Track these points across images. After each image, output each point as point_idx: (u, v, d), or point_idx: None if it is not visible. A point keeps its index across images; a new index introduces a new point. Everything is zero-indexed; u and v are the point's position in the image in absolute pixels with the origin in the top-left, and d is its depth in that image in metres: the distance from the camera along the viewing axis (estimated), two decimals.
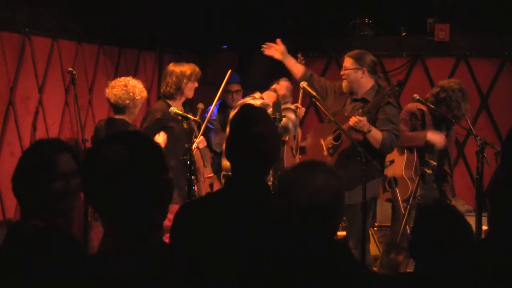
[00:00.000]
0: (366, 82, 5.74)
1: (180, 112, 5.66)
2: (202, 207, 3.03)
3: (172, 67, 6.14)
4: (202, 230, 2.88)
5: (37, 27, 6.38)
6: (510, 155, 3.00)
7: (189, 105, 6.38)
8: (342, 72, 5.80)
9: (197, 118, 5.73)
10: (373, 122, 5.58)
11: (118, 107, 5.87)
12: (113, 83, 5.92)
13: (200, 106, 6.04)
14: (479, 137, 5.85)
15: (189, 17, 8.04)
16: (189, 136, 5.60)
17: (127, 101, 5.81)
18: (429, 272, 2.89)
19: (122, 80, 5.91)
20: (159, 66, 8.20)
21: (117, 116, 5.89)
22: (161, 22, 7.88)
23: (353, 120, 5.48)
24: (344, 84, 5.79)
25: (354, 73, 5.72)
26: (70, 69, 6.17)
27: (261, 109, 3.21)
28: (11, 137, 6.14)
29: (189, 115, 5.62)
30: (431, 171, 6.12)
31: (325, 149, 5.71)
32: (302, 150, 6.50)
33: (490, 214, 3.15)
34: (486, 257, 2.93)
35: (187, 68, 6.07)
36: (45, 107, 6.47)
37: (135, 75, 7.71)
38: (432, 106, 6.20)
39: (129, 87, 5.83)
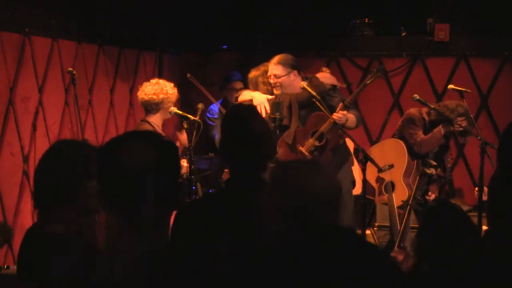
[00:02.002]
0: (298, 82, 5.73)
1: (180, 112, 5.66)
2: (202, 207, 3.04)
3: (259, 70, 6.01)
4: (202, 229, 2.88)
5: (37, 27, 6.38)
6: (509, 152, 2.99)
7: (189, 105, 6.38)
8: (274, 81, 5.73)
9: (197, 118, 5.74)
10: (328, 107, 5.61)
11: (152, 105, 5.72)
12: (143, 85, 5.84)
13: (200, 106, 6.04)
14: (479, 137, 5.85)
15: (189, 17, 8.04)
16: (189, 136, 5.60)
17: (162, 96, 5.70)
18: (435, 272, 2.89)
19: (151, 80, 5.86)
20: (159, 66, 8.20)
21: (149, 119, 5.75)
22: (161, 22, 7.88)
23: (337, 117, 5.50)
24: (277, 92, 5.75)
25: (287, 78, 5.72)
26: (70, 69, 6.17)
27: (254, 107, 3.22)
28: (11, 137, 6.14)
29: (189, 115, 5.62)
30: (431, 171, 6.12)
31: (306, 153, 5.64)
32: None
33: (489, 213, 3.15)
34: (486, 256, 2.93)
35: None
36: (45, 107, 6.47)
37: (135, 75, 7.73)
38: (432, 106, 6.21)
39: (161, 84, 5.75)
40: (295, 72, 5.75)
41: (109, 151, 2.21)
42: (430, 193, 6.30)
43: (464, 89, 6.74)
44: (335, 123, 5.49)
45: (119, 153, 2.16)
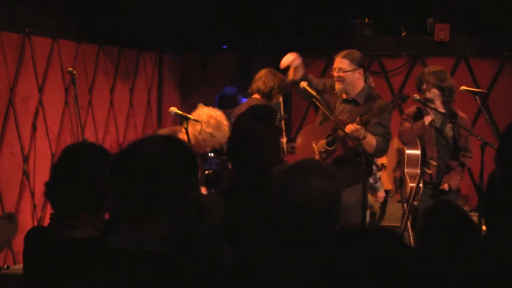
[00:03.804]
0: (360, 83, 5.64)
1: (180, 112, 5.65)
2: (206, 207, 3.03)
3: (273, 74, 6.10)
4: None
5: (37, 27, 6.39)
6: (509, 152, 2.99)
7: (189, 105, 6.38)
8: (337, 74, 5.61)
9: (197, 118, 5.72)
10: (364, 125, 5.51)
11: None
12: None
13: (200, 106, 6.04)
14: (479, 137, 5.84)
15: (189, 17, 8.04)
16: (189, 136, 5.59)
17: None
18: (435, 272, 2.89)
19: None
20: (159, 66, 8.21)
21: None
22: (161, 22, 7.88)
23: (349, 128, 5.34)
24: (338, 86, 5.68)
25: (351, 74, 5.60)
26: (70, 69, 6.18)
27: (257, 108, 3.23)
28: (11, 137, 6.14)
29: (189, 115, 5.61)
30: (431, 171, 6.11)
31: (316, 152, 5.59)
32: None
33: (487, 213, 3.15)
34: (486, 256, 2.93)
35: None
36: (45, 107, 6.47)
37: (135, 75, 7.73)
38: (432, 106, 6.19)
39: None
40: (361, 70, 5.61)
41: (126, 153, 2.20)
42: (443, 182, 6.19)
43: (479, 90, 6.66)
44: (347, 133, 5.31)
45: (135, 154, 2.16)
